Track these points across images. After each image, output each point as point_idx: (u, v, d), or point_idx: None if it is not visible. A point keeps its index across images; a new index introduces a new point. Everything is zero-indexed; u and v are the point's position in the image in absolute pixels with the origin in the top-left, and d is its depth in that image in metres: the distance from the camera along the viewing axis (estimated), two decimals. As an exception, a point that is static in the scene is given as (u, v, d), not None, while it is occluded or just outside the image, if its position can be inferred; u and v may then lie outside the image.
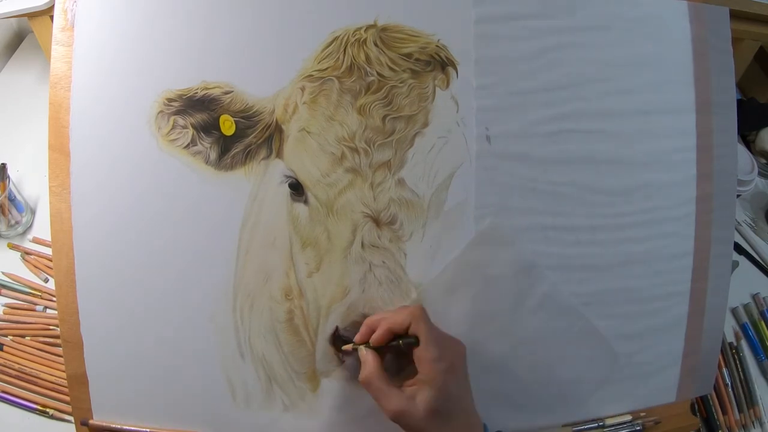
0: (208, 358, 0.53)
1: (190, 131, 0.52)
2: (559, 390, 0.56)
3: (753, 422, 0.69)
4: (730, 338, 0.76)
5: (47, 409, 0.62)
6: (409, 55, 0.52)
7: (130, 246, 0.52)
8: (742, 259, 0.84)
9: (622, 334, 0.58)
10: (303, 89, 0.51)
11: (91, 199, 0.52)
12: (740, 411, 0.70)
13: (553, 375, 0.56)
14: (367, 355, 0.46)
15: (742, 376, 0.72)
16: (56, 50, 0.52)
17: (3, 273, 0.71)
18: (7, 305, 0.69)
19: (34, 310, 0.68)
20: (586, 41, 0.56)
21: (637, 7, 0.57)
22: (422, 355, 0.45)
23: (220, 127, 0.52)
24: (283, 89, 0.52)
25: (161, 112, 0.52)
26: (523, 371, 0.54)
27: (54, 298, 0.65)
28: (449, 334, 0.48)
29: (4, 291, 0.70)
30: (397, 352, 0.47)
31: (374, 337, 0.47)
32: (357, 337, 0.48)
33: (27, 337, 0.66)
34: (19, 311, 0.68)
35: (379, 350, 0.47)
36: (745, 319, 0.78)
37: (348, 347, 0.49)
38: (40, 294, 0.70)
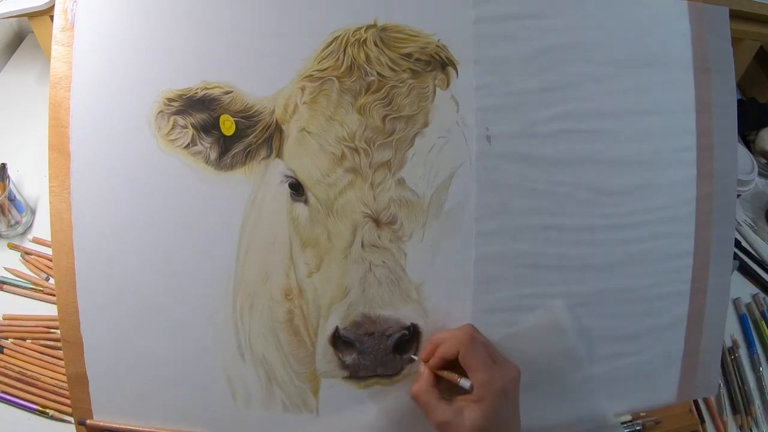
0: (208, 358, 0.53)
1: (190, 131, 0.52)
2: None
3: (750, 423, 0.69)
4: (728, 341, 0.76)
5: (47, 410, 0.62)
6: (409, 55, 0.52)
7: (130, 246, 0.52)
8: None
9: (622, 334, 0.58)
10: (303, 89, 0.51)
11: (91, 199, 0.52)
12: (736, 412, 0.70)
13: None
14: (423, 371, 0.48)
15: (738, 378, 0.72)
16: (56, 50, 0.52)
17: (5, 268, 0.71)
18: (5, 316, 0.69)
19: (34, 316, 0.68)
20: (586, 41, 0.56)
21: (636, 6, 0.57)
22: (474, 377, 0.46)
23: (220, 127, 0.52)
24: (283, 89, 0.52)
25: (161, 112, 0.52)
26: None
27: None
28: (503, 357, 0.48)
29: (5, 287, 0.70)
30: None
31: (431, 363, 0.48)
32: (423, 355, 0.50)
33: (27, 340, 0.66)
34: (19, 317, 0.68)
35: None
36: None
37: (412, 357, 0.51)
38: (42, 290, 0.70)
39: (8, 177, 0.72)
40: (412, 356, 0.51)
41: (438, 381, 0.48)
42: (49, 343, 0.66)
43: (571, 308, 0.56)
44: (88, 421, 0.53)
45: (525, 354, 0.53)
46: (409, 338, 0.51)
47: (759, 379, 0.72)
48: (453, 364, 0.48)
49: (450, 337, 0.48)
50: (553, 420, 0.56)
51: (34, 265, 0.72)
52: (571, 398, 0.56)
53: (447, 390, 0.47)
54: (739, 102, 0.99)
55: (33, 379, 0.63)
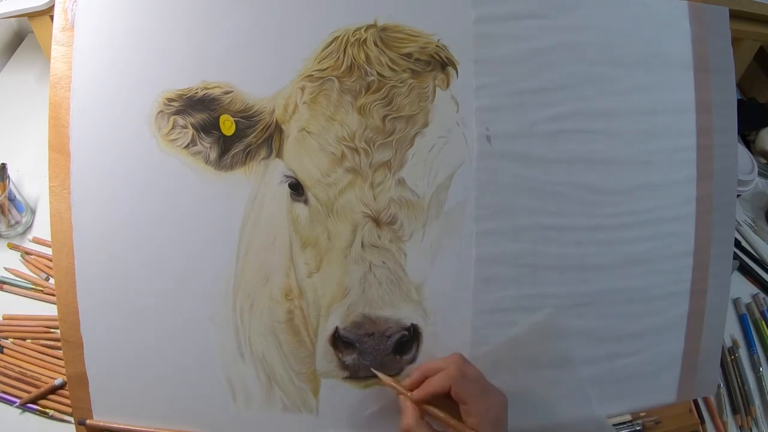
0: (208, 358, 0.53)
1: (190, 131, 0.52)
2: None
3: (750, 423, 0.69)
4: (728, 341, 0.76)
5: (47, 410, 0.62)
6: (409, 55, 0.52)
7: (130, 246, 0.52)
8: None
9: (622, 334, 0.58)
10: (303, 89, 0.51)
11: (91, 199, 0.52)
12: (736, 412, 0.70)
13: None
14: (405, 404, 0.47)
15: (738, 378, 0.72)
16: (56, 50, 0.52)
17: (5, 268, 0.71)
18: (5, 316, 0.68)
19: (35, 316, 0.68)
20: (586, 41, 0.56)
21: (636, 6, 0.57)
22: (467, 410, 0.46)
23: (220, 127, 0.52)
24: (283, 89, 0.52)
25: (161, 112, 0.52)
26: None
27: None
28: (491, 385, 0.48)
29: (5, 287, 0.70)
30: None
31: (417, 395, 0.47)
32: (408, 383, 0.49)
33: (27, 340, 0.66)
34: (19, 317, 0.68)
35: None
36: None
37: (388, 382, 0.49)
38: (42, 290, 0.70)
39: (8, 177, 0.72)
40: (397, 392, 0.49)
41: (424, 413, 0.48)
42: (49, 343, 0.66)
43: (571, 308, 0.56)
44: (88, 421, 0.54)
45: (518, 361, 0.54)
46: (409, 339, 0.51)
47: (759, 379, 0.72)
48: (440, 396, 0.47)
49: (440, 371, 0.48)
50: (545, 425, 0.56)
51: (34, 265, 0.72)
52: (562, 404, 0.56)
53: (433, 420, 0.47)
54: (739, 102, 0.98)
55: (33, 379, 0.63)
